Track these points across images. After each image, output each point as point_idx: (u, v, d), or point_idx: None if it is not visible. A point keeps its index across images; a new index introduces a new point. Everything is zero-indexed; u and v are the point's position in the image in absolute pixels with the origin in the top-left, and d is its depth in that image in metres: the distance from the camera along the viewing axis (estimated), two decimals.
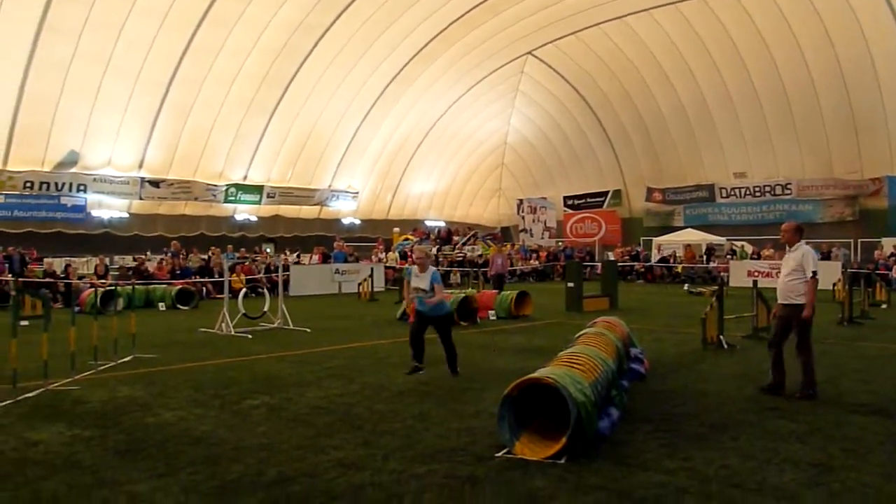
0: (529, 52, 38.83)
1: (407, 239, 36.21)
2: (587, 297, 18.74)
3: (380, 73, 36.37)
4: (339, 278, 25.87)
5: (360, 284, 23.84)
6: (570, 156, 44.48)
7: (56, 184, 32.19)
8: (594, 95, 40.37)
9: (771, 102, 34.69)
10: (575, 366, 6.55)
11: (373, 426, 6.81)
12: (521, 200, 46.14)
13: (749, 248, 32.79)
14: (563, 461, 5.53)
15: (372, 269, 24.60)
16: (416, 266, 9.58)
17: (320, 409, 7.54)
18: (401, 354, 11.19)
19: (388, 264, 29.52)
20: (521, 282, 32.77)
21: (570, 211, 44.74)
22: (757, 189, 37.08)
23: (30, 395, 8.09)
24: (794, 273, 7.98)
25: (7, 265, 22.34)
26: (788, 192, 35.94)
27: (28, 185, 31.55)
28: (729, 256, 32.19)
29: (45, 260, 24.75)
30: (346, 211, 42.13)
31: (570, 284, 18.82)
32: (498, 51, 37.33)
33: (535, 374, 6.09)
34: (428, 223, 45.38)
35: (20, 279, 19.97)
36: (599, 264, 30.35)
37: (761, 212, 36.67)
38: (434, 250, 34.61)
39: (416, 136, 42.30)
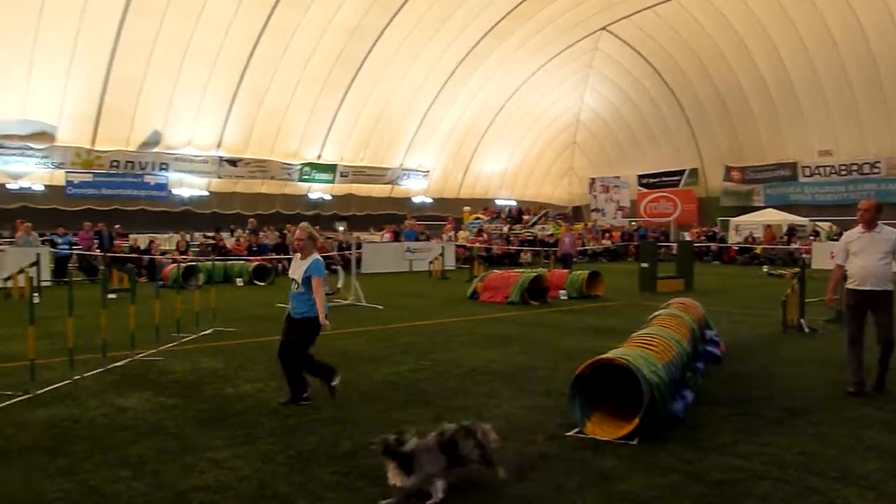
0: (604, 28, 38.00)
1: (478, 218, 36.21)
2: (661, 278, 18.38)
3: (452, 51, 36.27)
4: (411, 256, 26.11)
5: (430, 263, 24.01)
6: (645, 134, 43.46)
7: (140, 163, 33.41)
8: (671, 71, 39.24)
9: (859, 75, 32.97)
10: (648, 347, 6.45)
11: (444, 402, 6.88)
12: (593, 179, 45.42)
13: (832, 230, 31.47)
14: (635, 442, 5.48)
15: (443, 248, 24.72)
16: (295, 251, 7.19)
17: (392, 384, 7.66)
18: (470, 333, 11.26)
19: (458, 243, 29.60)
20: (592, 262, 32.38)
21: (645, 190, 43.79)
22: (843, 168, 35.45)
23: (118, 364, 8.49)
24: (887, 256, 7.32)
25: (97, 241, 23.35)
26: (877, 170, 34.24)
27: (114, 164, 32.85)
28: (812, 238, 31.00)
29: (130, 236, 25.79)
30: (417, 189, 42.35)
31: (644, 265, 18.49)
32: (572, 27, 36.67)
33: (608, 355, 6.03)
34: (498, 202, 45.23)
35: (108, 254, 20.89)
36: (674, 245, 29.70)
37: (847, 192, 35.00)
38: (506, 228, 34.50)
39: (487, 115, 42.07)
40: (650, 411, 5.57)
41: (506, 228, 34.73)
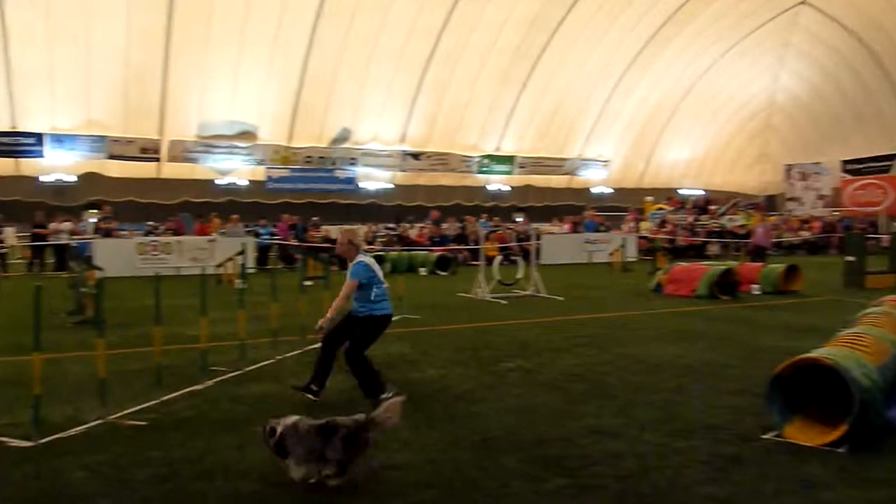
0: (803, 1, 35.13)
1: (661, 208, 34.88)
2: (870, 272, 16.74)
3: (632, 38, 35.20)
4: (590, 248, 25.70)
5: (611, 254, 23.50)
6: (850, 115, 39.63)
7: (331, 158, 35.49)
8: (882, 44, 35.45)
9: None
10: (859, 347, 5.89)
11: (628, 397, 6.72)
12: (789, 166, 42.22)
13: None
14: (842, 450, 5.04)
15: (624, 239, 24.09)
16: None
17: (574, 375, 7.59)
18: (655, 327, 10.90)
19: (640, 234, 28.71)
20: (789, 255, 30.15)
21: (850, 177, 40.00)
22: None
23: (314, 346, 9.06)
24: None
25: (293, 232, 25.11)
26: None
27: (308, 159, 35.16)
28: None
29: (322, 227, 27.48)
30: (597, 180, 41.59)
31: (850, 258, 16.93)
32: (763, 3, 34.26)
33: (812, 354, 5.59)
34: (683, 192, 43.31)
35: (303, 244, 22.41)
36: (885, 236, 26.93)
37: None
38: (691, 219, 32.98)
39: (670, 101, 40.38)
40: (861, 417, 5.09)
41: (691, 219, 33.17)
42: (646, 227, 30.48)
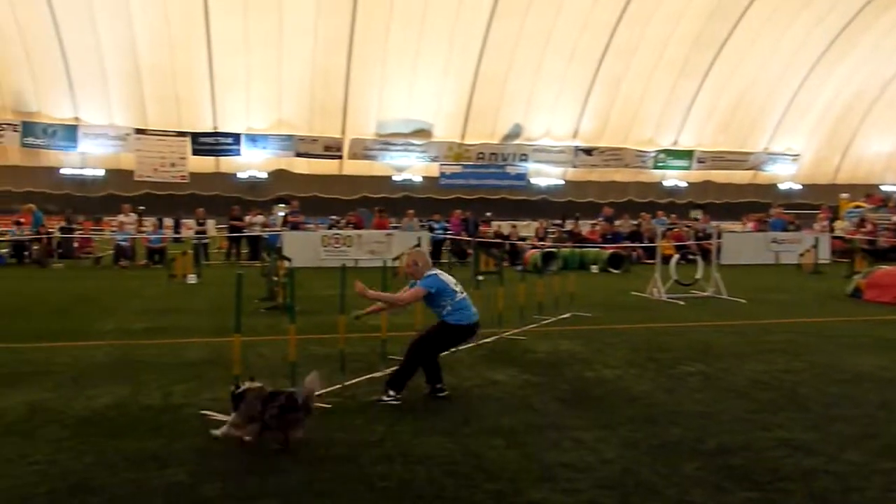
0: None
1: (858, 206, 31.94)
2: None
3: (826, 23, 32.58)
4: (776, 248, 24.04)
5: (800, 255, 21.84)
6: None
7: (502, 154, 35.79)
8: None
9: None
10: None
11: (823, 409, 6.19)
12: None
13: None
14: None
15: (816, 239, 22.29)
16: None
17: (761, 383, 7.11)
18: (853, 335, 10.00)
19: (834, 234, 26.45)
20: None
21: None
22: None
23: (487, 340, 9.16)
24: None
25: (465, 227, 25.53)
26: None
27: (480, 156, 35.68)
28: None
29: (493, 223, 27.71)
30: (784, 175, 38.91)
31: None
32: None
33: None
34: (885, 188, 39.44)
35: (475, 239, 22.74)
36: None
37: None
38: (895, 218, 29.88)
39: (871, 90, 36.98)
40: None
41: (895, 218, 30.07)
42: (841, 226, 28.05)
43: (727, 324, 10.98)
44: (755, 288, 16.06)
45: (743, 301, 13.60)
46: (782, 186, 38.95)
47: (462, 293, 6.61)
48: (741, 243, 24.38)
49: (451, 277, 6.71)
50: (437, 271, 6.77)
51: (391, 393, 6.26)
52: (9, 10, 30.07)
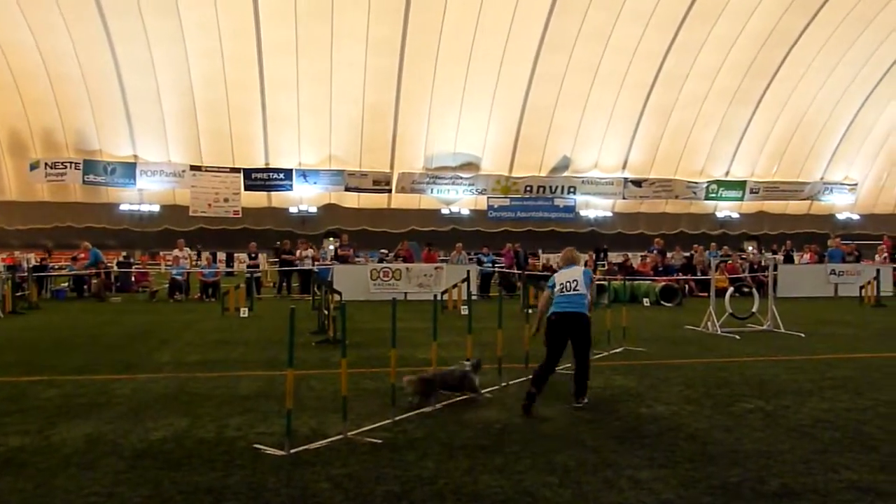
0: None
1: None
2: None
3: (885, 47, 31.89)
4: (836, 279, 23.36)
5: (862, 288, 21.16)
6: None
7: (550, 187, 35.71)
8: None
9: None
10: None
11: (891, 450, 5.92)
12: None
13: None
14: None
15: (878, 271, 21.59)
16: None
17: (824, 421, 6.85)
18: None
19: None
20: None
21: None
22: None
23: None
24: None
25: (515, 260, 25.46)
26: None
27: (528, 188, 35.65)
28: None
29: (542, 255, 27.58)
30: (842, 205, 37.94)
31: None
32: None
33: None
34: None
35: (525, 272, 22.61)
36: None
37: None
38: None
39: None
40: None
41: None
42: None
43: (786, 359, 10.65)
44: (814, 321, 15.61)
45: (802, 335, 13.20)
46: (840, 216, 37.95)
47: (564, 290, 7.49)
48: (798, 275, 23.77)
49: (569, 272, 7.63)
50: (561, 270, 7.82)
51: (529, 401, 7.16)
52: (72, 53, 31.42)
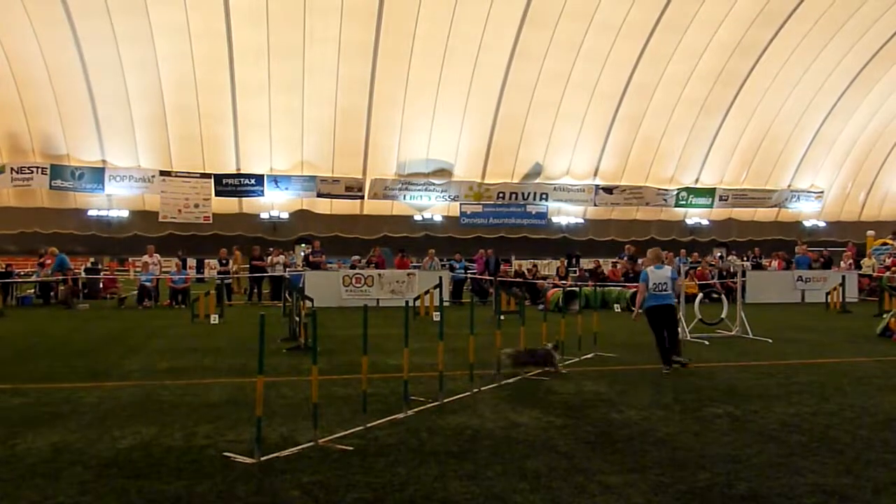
0: None
1: (886, 243, 31.56)
2: None
3: (851, 57, 32.58)
4: (802, 286, 23.74)
5: (828, 294, 21.54)
6: None
7: (522, 193, 35.86)
8: None
9: None
10: None
11: (856, 453, 6.02)
12: None
13: None
14: None
15: (843, 278, 21.99)
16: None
17: (790, 426, 6.95)
18: (886, 375, 9.80)
19: (862, 272, 26.10)
20: None
21: None
22: None
23: (510, 381, 9.08)
24: None
25: (485, 266, 25.50)
26: None
27: (500, 195, 35.77)
28: None
29: (514, 261, 27.68)
30: (809, 213, 38.61)
31: None
32: None
33: None
34: None
35: (497, 278, 22.67)
36: None
37: None
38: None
39: None
40: None
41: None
42: (868, 263, 27.70)
43: (753, 364, 10.79)
44: (781, 327, 15.84)
45: (769, 341, 13.39)
46: (807, 224, 38.61)
47: (657, 288, 10.12)
48: (766, 281, 24.12)
49: (661, 273, 10.20)
50: (652, 268, 10.32)
51: (673, 363, 9.91)
52: (39, 57, 30.92)
